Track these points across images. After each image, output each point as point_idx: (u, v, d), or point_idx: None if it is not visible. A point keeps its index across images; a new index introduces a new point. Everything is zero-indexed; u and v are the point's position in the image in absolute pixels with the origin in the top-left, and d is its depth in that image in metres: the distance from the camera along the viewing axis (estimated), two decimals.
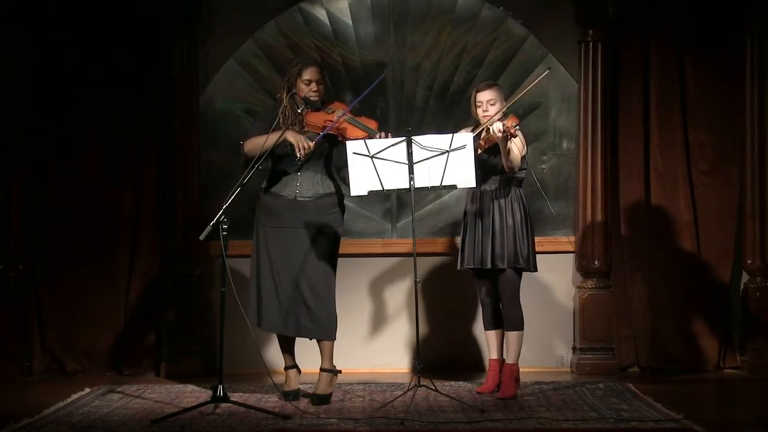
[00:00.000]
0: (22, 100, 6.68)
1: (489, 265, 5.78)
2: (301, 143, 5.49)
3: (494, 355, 5.99)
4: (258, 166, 5.47)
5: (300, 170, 5.68)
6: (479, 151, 5.80)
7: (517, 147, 5.70)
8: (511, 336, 5.87)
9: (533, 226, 5.90)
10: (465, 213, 5.95)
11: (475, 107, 5.86)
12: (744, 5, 6.69)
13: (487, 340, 6.04)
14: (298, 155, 5.50)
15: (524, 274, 5.90)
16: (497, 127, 5.56)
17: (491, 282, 5.90)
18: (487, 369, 6.08)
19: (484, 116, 5.80)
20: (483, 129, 5.74)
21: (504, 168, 5.71)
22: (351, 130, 5.57)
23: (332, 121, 5.57)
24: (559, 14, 6.77)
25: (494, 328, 5.97)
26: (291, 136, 5.52)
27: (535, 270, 5.90)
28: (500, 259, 5.77)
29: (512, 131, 5.52)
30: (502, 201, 5.81)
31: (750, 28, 6.70)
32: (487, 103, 5.80)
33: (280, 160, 5.68)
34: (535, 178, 6.20)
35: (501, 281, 5.84)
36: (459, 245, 5.99)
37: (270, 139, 5.51)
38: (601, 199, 6.71)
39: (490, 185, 5.84)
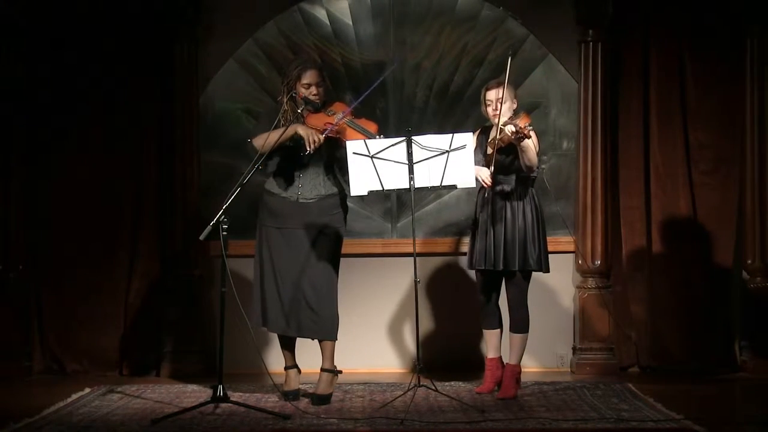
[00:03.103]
0: (22, 100, 6.67)
1: (501, 267, 5.76)
2: (312, 136, 5.48)
3: (492, 354, 5.99)
4: (258, 167, 5.47)
5: (302, 172, 5.68)
6: (490, 152, 5.78)
7: (532, 146, 5.67)
8: (516, 338, 5.86)
9: (545, 227, 5.88)
10: (476, 213, 5.94)
11: (485, 105, 5.83)
12: (744, 5, 6.69)
13: (486, 340, 6.04)
14: (308, 148, 5.48)
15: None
16: (510, 129, 5.53)
17: (496, 282, 5.90)
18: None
19: (493, 115, 5.76)
20: (496, 130, 5.66)
21: (522, 168, 5.69)
22: (350, 133, 5.56)
23: (332, 124, 5.56)
24: (559, 14, 6.77)
25: (493, 327, 5.97)
26: (301, 129, 5.52)
27: (548, 271, 5.88)
28: (511, 262, 5.75)
29: (525, 132, 5.49)
30: (514, 202, 5.78)
31: (750, 28, 6.70)
32: (497, 101, 5.75)
33: (283, 159, 5.67)
34: (545, 179, 6.19)
35: (510, 284, 5.83)
36: (469, 245, 5.98)
37: (279, 134, 5.50)
38: (601, 199, 6.71)
39: (502, 186, 5.81)
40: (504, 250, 5.74)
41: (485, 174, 5.71)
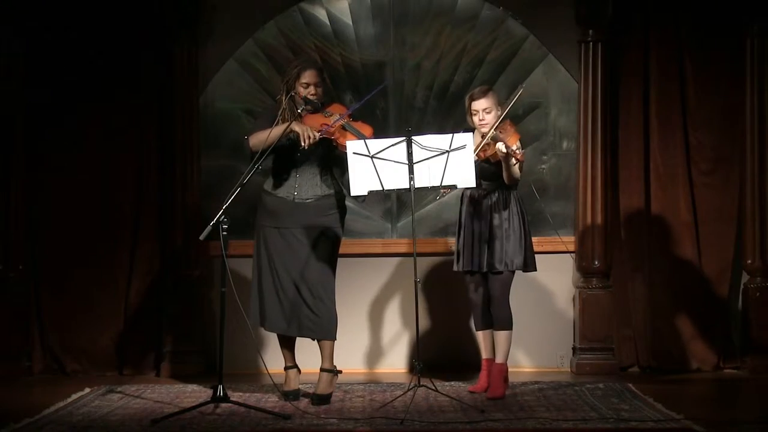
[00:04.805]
0: (22, 101, 6.68)
1: (486, 269, 5.78)
2: (306, 132, 5.48)
3: (487, 355, 5.99)
4: (258, 167, 5.48)
5: (299, 172, 5.68)
6: (476, 160, 5.77)
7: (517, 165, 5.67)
8: (501, 335, 5.86)
9: (530, 226, 5.89)
10: (460, 215, 5.92)
11: (471, 115, 5.81)
12: (744, 5, 6.69)
13: (480, 340, 6.05)
14: (303, 144, 5.48)
15: (525, 274, 5.93)
16: (501, 148, 5.52)
17: (483, 282, 5.90)
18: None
19: (480, 125, 5.76)
20: (484, 142, 5.65)
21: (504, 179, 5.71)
22: (345, 136, 5.56)
23: (328, 125, 5.57)
24: (559, 14, 6.76)
25: (486, 328, 5.97)
26: (296, 126, 5.52)
27: (535, 269, 5.90)
28: (498, 263, 5.76)
29: (518, 156, 5.48)
30: (500, 204, 5.79)
31: (750, 28, 6.70)
32: (483, 111, 5.74)
33: (280, 159, 5.68)
34: (533, 187, 6.17)
35: (493, 280, 5.82)
36: (455, 247, 5.98)
37: (276, 131, 5.51)
38: (601, 199, 6.70)
39: (488, 188, 5.82)
40: (490, 252, 5.75)
41: None
